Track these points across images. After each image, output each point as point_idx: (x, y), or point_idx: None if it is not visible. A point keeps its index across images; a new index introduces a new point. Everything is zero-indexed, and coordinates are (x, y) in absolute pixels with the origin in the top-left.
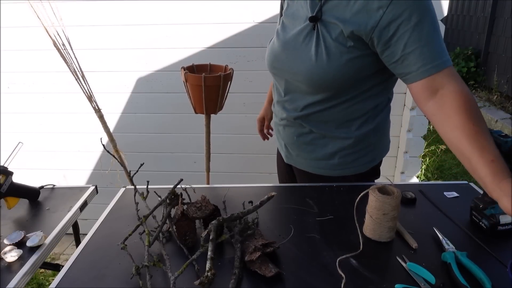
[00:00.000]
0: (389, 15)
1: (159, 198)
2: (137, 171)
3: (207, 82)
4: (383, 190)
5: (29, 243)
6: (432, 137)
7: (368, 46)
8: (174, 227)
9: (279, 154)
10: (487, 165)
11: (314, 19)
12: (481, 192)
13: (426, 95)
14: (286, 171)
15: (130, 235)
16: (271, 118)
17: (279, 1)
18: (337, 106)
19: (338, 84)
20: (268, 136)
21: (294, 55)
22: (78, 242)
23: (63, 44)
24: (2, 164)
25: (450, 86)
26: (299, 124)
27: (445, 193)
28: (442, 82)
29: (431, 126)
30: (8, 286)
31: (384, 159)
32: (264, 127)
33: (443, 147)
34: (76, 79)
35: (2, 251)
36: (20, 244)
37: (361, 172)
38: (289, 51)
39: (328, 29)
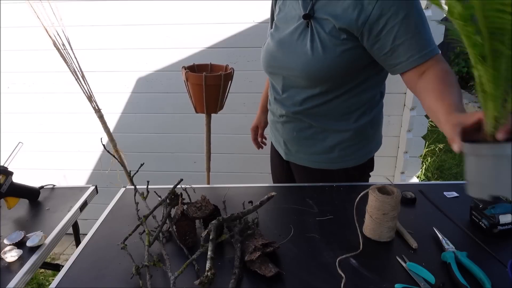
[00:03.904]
0: (378, 10)
1: (159, 198)
2: (137, 171)
3: (208, 81)
4: (383, 190)
5: (29, 243)
6: (433, 137)
7: (358, 39)
8: (174, 227)
9: (273, 153)
10: (447, 112)
11: (308, 17)
12: None
13: (415, 79)
14: (282, 169)
15: (130, 235)
16: (264, 126)
17: (270, 6)
18: (335, 99)
19: (335, 75)
20: (262, 145)
21: (290, 52)
22: (78, 242)
23: (63, 44)
24: (2, 164)
25: (434, 67)
26: (299, 119)
27: (445, 193)
28: (428, 67)
29: (431, 126)
30: (8, 286)
31: (384, 159)
32: (258, 136)
33: (441, 146)
34: (76, 79)
35: (2, 251)
36: (20, 244)
37: (360, 164)
38: (285, 48)
39: (321, 25)
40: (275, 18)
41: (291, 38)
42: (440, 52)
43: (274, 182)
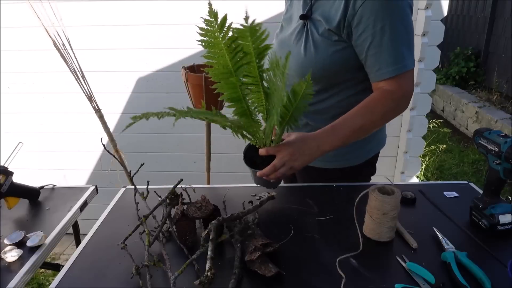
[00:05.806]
0: (359, 16)
1: (159, 198)
2: (137, 171)
3: (208, 82)
4: (383, 190)
5: (29, 243)
6: (432, 136)
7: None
8: (174, 227)
9: None
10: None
11: (305, 17)
12: (481, 192)
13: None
14: None
15: (130, 235)
16: None
17: (280, 2)
18: (330, 98)
19: (328, 75)
20: None
21: (287, 52)
22: (78, 242)
23: (63, 44)
24: (2, 164)
25: (381, 90)
26: None
27: (445, 193)
28: (387, 83)
29: (431, 126)
30: (8, 286)
31: (384, 159)
32: None
33: (443, 146)
34: (76, 79)
35: (2, 251)
36: (20, 244)
37: (357, 164)
38: (284, 49)
39: (315, 26)
40: (282, 19)
41: (289, 39)
42: (407, 68)
43: None
